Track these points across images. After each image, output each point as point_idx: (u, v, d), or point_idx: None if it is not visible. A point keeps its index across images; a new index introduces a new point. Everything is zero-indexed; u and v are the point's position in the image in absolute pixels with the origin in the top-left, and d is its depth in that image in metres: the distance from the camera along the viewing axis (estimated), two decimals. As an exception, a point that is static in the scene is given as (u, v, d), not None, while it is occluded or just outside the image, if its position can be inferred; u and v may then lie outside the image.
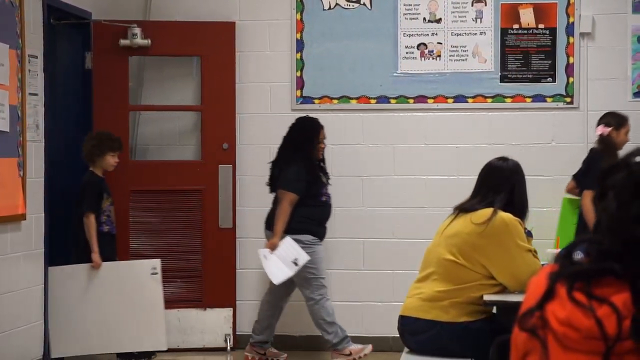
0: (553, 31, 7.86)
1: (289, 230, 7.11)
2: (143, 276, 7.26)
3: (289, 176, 7.13)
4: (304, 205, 7.14)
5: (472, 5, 7.94)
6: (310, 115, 7.62)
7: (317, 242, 7.19)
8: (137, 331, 7.23)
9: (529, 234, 4.91)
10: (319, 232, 7.23)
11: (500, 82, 7.91)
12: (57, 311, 7.18)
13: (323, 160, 7.39)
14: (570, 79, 7.84)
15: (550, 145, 7.83)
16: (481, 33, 7.93)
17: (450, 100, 7.95)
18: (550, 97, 7.87)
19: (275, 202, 7.27)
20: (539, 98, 7.88)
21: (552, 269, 2.01)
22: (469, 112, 7.90)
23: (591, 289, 1.89)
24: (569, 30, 7.83)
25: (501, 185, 4.79)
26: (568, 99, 7.85)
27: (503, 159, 4.98)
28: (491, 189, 4.78)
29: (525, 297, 2.04)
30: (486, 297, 4.61)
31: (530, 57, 7.88)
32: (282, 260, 7.11)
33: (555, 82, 7.86)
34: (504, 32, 7.90)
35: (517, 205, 4.77)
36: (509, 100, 7.90)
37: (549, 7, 7.85)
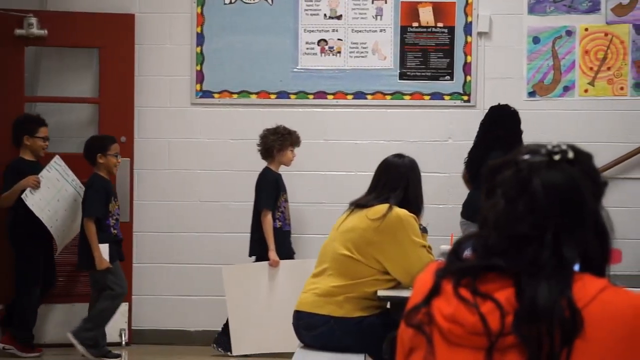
0: (451, 30, 7.95)
1: None
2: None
3: None
4: None
5: (373, 3, 7.99)
6: (210, 109, 7.58)
7: None
8: None
9: (424, 230, 4.96)
10: None
11: (399, 80, 7.98)
12: (236, 310, 7.16)
13: None
14: (468, 78, 7.95)
15: (447, 142, 7.93)
16: (381, 30, 7.98)
17: (349, 97, 7.99)
18: (448, 95, 7.97)
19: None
20: (437, 96, 7.97)
21: (439, 266, 2.03)
22: (368, 109, 7.95)
23: (476, 285, 1.92)
24: (467, 29, 7.94)
25: (397, 182, 4.83)
26: (465, 97, 7.96)
27: (399, 156, 5.02)
28: (387, 186, 4.82)
29: (412, 294, 2.06)
30: (380, 293, 4.65)
31: (429, 55, 7.96)
32: None
33: (453, 80, 7.96)
34: (404, 30, 7.97)
35: (412, 201, 4.82)
36: (407, 97, 7.97)
37: (447, 6, 7.94)
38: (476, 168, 7.08)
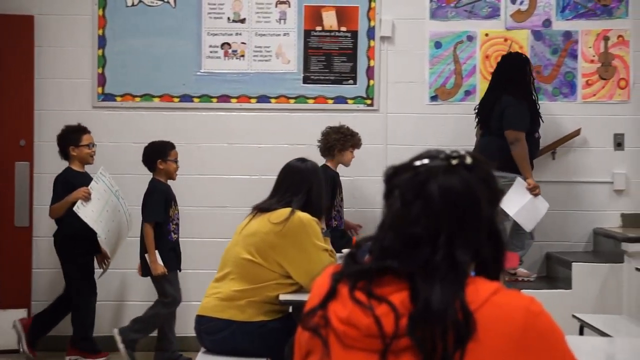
0: (355, 34, 8.00)
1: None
2: None
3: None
4: None
5: (276, 7, 7.99)
6: (112, 112, 7.49)
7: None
8: None
9: (326, 234, 4.98)
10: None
11: (303, 83, 7.99)
12: None
13: None
14: (371, 82, 8.00)
15: (351, 146, 7.96)
16: (285, 34, 7.99)
17: (253, 100, 7.98)
18: (351, 99, 8.00)
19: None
20: (340, 100, 8.00)
21: (336, 269, 2.04)
22: (271, 112, 7.95)
23: (372, 288, 1.93)
24: (370, 33, 7.99)
25: (299, 186, 4.84)
26: (368, 101, 8.01)
27: (302, 160, 5.03)
28: (289, 190, 4.83)
29: (309, 297, 2.06)
30: (282, 297, 4.65)
31: (333, 59, 7.99)
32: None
33: (356, 84, 8.00)
34: (307, 34, 7.99)
35: (315, 205, 4.83)
36: (311, 101, 7.99)
37: (351, 10, 7.98)
38: (487, 112, 7.27)
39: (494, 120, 7.22)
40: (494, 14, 8.00)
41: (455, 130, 7.71)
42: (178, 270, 7.10)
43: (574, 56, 7.98)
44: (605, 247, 7.53)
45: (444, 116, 7.95)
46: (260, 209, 4.82)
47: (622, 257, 6.97)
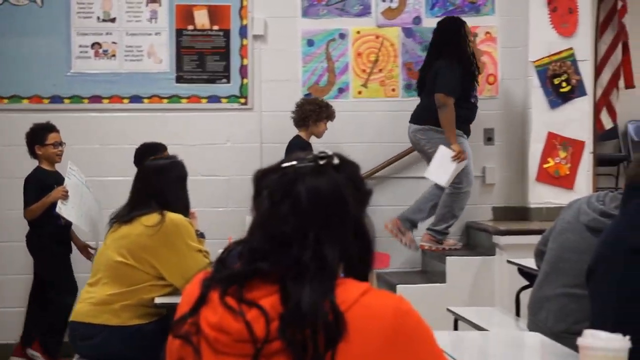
0: (227, 33, 7.97)
1: None
2: None
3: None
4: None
5: (147, 6, 7.90)
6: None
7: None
8: None
9: (201, 236, 4.95)
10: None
11: (176, 83, 7.93)
12: None
13: None
14: (245, 81, 7.98)
15: (226, 145, 7.94)
16: (156, 33, 7.91)
17: (125, 101, 7.88)
18: (225, 98, 7.98)
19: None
20: (214, 99, 7.96)
21: (206, 275, 2.03)
22: (145, 113, 7.86)
23: (242, 292, 1.93)
24: (243, 32, 7.97)
25: (154, 187, 4.75)
26: (242, 100, 7.99)
27: (157, 160, 5.01)
28: (146, 192, 4.75)
29: (179, 304, 2.05)
30: (157, 300, 4.61)
31: (206, 58, 7.95)
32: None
33: (230, 83, 7.98)
34: (179, 33, 7.93)
35: (172, 205, 4.73)
36: (184, 101, 7.93)
37: (222, 9, 7.95)
38: (423, 75, 7.32)
39: (428, 82, 7.25)
40: (365, 11, 8.08)
41: (329, 126, 7.75)
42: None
43: (444, 53, 8.10)
44: (477, 241, 7.68)
45: (318, 114, 7.98)
46: (122, 220, 4.74)
47: (494, 250, 7.12)
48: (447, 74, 7.11)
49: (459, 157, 7.10)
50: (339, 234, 1.95)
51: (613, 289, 2.84)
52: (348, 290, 1.91)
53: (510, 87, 8.09)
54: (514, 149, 7.99)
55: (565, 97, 7.71)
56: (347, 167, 2.03)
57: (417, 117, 7.38)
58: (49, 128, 7.04)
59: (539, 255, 4.36)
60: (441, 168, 7.15)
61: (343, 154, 2.05)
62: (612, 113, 8.34)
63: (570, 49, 7.77)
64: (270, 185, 1.99)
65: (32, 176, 6.96)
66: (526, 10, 7.82)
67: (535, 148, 7.78)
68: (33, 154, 7.00)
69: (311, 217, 1.94)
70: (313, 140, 7.53)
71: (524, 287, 5.56)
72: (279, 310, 1.89)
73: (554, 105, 7.77)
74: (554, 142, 7.76)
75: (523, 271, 5.51)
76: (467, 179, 7.28)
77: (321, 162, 2.00)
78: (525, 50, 7.89)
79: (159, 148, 7.01)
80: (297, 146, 7.29)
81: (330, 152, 2.02)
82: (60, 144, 7.04)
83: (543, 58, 7.78)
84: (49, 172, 7.01)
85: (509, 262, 5.89)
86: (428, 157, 7.29)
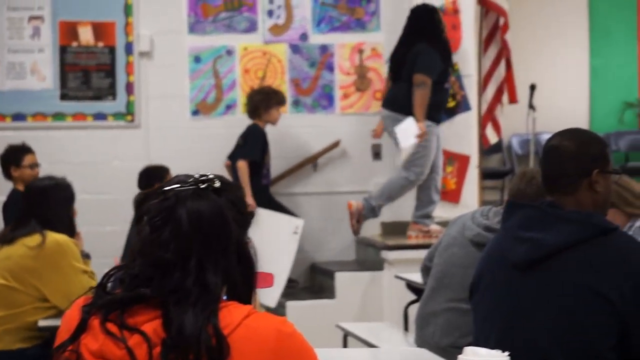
0: (112, 49, 7.88)
1: None
2: (285, 232, 7.23)
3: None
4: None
5: (29, 22, 7.76)
6: None
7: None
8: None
9: (86, 256, 4.86)
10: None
11: (61, 100, 7.81)
12: None
13: None
14: (131, 97, 7.90)
15: (113, 163, 7.84)
16: (39, 50, 7.78)
17: (8, 119, 7.73)
18: (111, 115, 7.89)
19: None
20: (100, 116, 7.87)
21: (86, 301, 1.99)
22: (28, 131, 7.70)
23: (124, 318, 1.90)
24: (128, 49, 7.90)
25: (38, 207, 4.66)
26: (129, 117, 7.91)
27: (42, 179, 4.94)
28: (31, 212, 4.65)
29: (59, 331, 2.01)
30: (41, 323, 4.51)
31: (91, 75, 7.85)
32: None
33: (116, 100, 7.89)
34: (63, 50, 7.81)
35: (56, 225, 4.64)
36: (69, 118, 7.82)
37: (107, 25, 7.87)
38: (399, 61, 7.19)
39: (406, 68, 7.15)
40: (251, 28, 8.08)
41: (218, 144, 7.72)
42: None
43: (331, 69, 8.17)
44: (366, 256, 7.72)
45: (207, 131, 7.95)
46: (3, 241, 4.63)
47: (383, 265, 7.17)
48: (426, 56, 7.11)
49: (422, 137, 7.09)
50: (222, 258, 1.95)
51: (495, 304, 2.88)
52: (231, 314, 1.90)
53: (397, 102, 8.16)
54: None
55: (451, 112, 7.81)
56: (229, 190, 2.02)
57: (391, 103, 7.29)
58: (25, 150, 6.87)
59: (425, 270, 4.40)
60: (406, 135, 7.17)
61: (225, 177, 2.05)
62: (497, 127, 8.48)
63: (455, 64, 7.88)
64: (151, 211, 1.97)
65: (10, 200, 6.76)
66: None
67: (422, 164, 7.84)
68: (8, 175, 6.82)
69: (193, 243, 1.93)
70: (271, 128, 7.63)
71: (412, 302, 5.60)
72: (162, 336, 1.87)
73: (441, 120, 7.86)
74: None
75: (411, 286, 5.56)
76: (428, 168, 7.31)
77: (202, 186, 1.99)
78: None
79: (163, 172, 6.90)
80: (253, 133, 7.43)
81: (211, 175, 2.01)
82: (36, 165, 6.87)
83: (429, 73, 7.86)
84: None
85: (397, 277, 5.93)
86: (396, 142, 7.27)
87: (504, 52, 8.36)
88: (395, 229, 8.00)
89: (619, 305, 2.69)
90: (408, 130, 7.13)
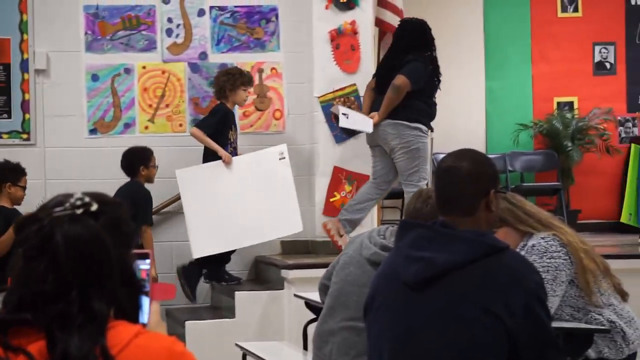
0: (7, 67, 7.76)
1: None
2: (272, 163, 7.33)
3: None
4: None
5: None
6: None
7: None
8: (273, 219, 7.29)
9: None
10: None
11: (-46, 118, 7.65)
12: (192, 213, 7.21)
13: None
14: (27, 116, 7.78)
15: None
16: None
17: None
18: (6, 133, 7.76)
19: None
20: (-5, 134, 7.74)
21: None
22: None
23: (7, 339, 1.87)
24: (24, 66, 7.78)
25: None
26: (25, 136, 7.79)
27: None
28: None
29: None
30: None
31: (-14, 93, 7.72)
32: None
33: (11, 118, 7.76)
34: (-43, 67, 7.67)
35: None
36: (-41, 137, 7.67)
37: (2, 42, 7.74)
38: (389, 73, 7.24)
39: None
40: (150, 46, 8.03)
41: (116, 162, 7.63)
42: None
43: (231, 88, 8.14)
44: (267, 275, 7.71)
45: (104, 149, 7.86)
46: None
47: (283, 284, 7.16)
48: (414, 64, 7.24)
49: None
50: (105, 283, 1.91)
51: (388, 324, 2.90)
52: (120, 334, 1.87)
53: (296, 122, 8.20)
54: (301, 183, 8.07)
55: (350, 132, 7.86)
56: (108, 210, 1.97)
57: (390, 113, 7.30)
58: (22, 171, 6.87)
59: (323, 289, 4.41)
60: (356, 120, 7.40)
61: (104, 196, 2.00)
62: (395, 147, 8.56)
63: (354, 84, 7.95)
64: (27, 240, 1.92)
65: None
66: (310, 47, 7.97)
67: (322, 182, 7.90)
68: None
69: (72, 272, 1.88)
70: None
71: (311, 321, 5.61)
72: (47, 355, 1.83)
73: (338, 140, 7.92)
74: (339, 176, 7.90)
75: (310, 305, 5.57)
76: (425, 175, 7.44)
77: (78, 211, 1.93)
78: (310, 86, 8.02)
79: (148, 153, 7.35)
80: (215, 110, 7.43)
81: (87, 199, 1.96)
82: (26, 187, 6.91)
83: (327, 94, 7.93)
84: (11, 210, 6.79)
85: (296, 295, 5.93)
86: (391, 150, 7.34)
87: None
88: (295, 247, 8.00)
89: (509, 324, 2.72)
90: (357, 122, 7.39)
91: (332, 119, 7.77)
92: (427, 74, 7.30)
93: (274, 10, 8.22)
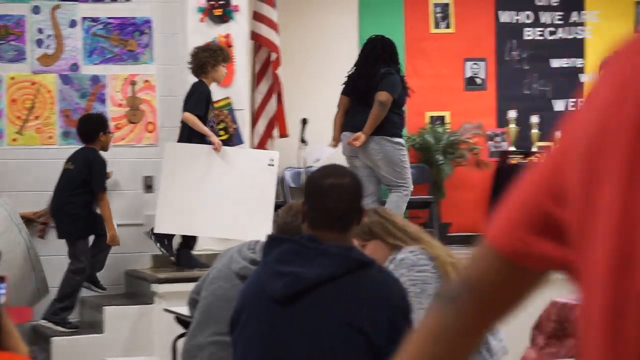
0: None
1: None
2: (260, 166, 7.26)
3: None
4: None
5: None
6: None
7: None
8: (244, 219, 7.21)
9: None
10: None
11: None
12: (168, 187, 7.22)
13: None
14: None
15: None
16: None
17: None
18: None
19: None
20: None
21: None
22: None
23: None
24: None
25: None
26: None
27: None
28: None
29: None
30: None
31: None
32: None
33: None
34: None
35: None
36: None
37: None
38: (365, 85, 7.69)
39: (373, 90, 7.63)
40: (19, 57, 7.87)
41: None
42: None
43: (103, 100, 8.05)
44: (137, 289, 7.62)
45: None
46: None
47: (153, 299, 7.09)
48: (391, 77, 7.68)
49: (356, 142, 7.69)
50: None
51: (254, 339, 2.90)
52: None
53: (170, 135, 8.12)
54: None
55: (223, 145, 7.84)
56: None
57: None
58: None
59: (193, 303, 4.38)
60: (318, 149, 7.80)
61: None
62: (269, 161, 8.58)
63: (228, 98, 7.93)
64: None
65: None
66: (184, 60, 7.91)
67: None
68: None
69: None
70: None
71: (181, 336, 5.56)
72: None
73: (212, 153, 7.88)
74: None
75: (180, 319, 5.52)
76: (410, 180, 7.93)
77: None
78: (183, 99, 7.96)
79: (105, 119, 7.46)
80: (198, 88, 7.36)
81: None
82: None
83: (201, 107, 7.88)
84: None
85: (166, 310, 5.88)
86: (375, 164, 7.74)
87: (275, 87, 8.50)
88: (167, 261, 7.93)
89: (374, 338, 2.75)
90: (323, 151, 7.83)
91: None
92: (399, 82, 7.82)
93: (147, 22, 8.15)
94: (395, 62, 7.96)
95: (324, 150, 7.91)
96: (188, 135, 7.36)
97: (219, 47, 7.61)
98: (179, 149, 7.40)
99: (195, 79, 7.45)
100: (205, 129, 7.33)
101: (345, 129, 7.88)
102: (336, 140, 8.01)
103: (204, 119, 7.38)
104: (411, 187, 7.96)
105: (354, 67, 8.05)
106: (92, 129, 7.30)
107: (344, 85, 8.07)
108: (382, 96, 7.62)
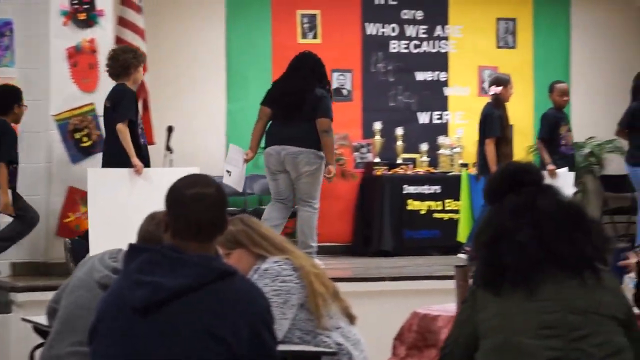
0: None
1: None
2: None
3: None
4: None
5: None
6: None
7: None
8: None
9: None
10: None
11: None
12: (95, 213, 7.14)
13: None
14: None
15: None
16: None
17: None
18: None
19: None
20: None
21: None
22: None
23: None
24: None
25: None
26: None
27: None
28: None
29: None
30: None
31: None
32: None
33: None
34: None
35: None
36: None
37: None
38: (299, 99, 7.82)
39: (307, 106, 7.73)
40: None
41: None
42: None
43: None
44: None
45: None
46: None
47: (11, 308, 6.93)
48: (328, 101, 7.86)
49: (330, 175, 8.10)
50: None
51: (113, 350, 2.85)
52: None
53: (31, 140, 7.95)
54: (35, 204, 7.80)
55: (86, 152, 7.75)
56: None
57: (300, 140, 7.83)
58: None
59: (52, 313, 4.29)
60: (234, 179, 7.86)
61: None
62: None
63: (92, 104, 7.84)
64: None
65: None
66: (47, 64, 7.78)
67: (56, 202, 7.72)
68: None
69: None
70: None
71: (38, 346, 5.44)
72: None
73: (75, 159, 7.79)
74: (74, 197, 7.77)
75: (38, 329, 5.40)
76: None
77: None
78: (46, 103, 7.83)
79: (20, 92, 7.42)
80: (124, 93, 7.23)
81: None
82: None
83: (64, 112, 7.79)
84: None
85: (23, 319, 5.74)
86: (299, 175, 7.86)
87: (141, 94, 8.41)
88: (29, 269, 7.79)
89: (236, 348, 2.74)
90: (235, 158, 7.86)
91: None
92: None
93: (8, 24, 7.97)
94: (326, 83, 8.11)
95: (239, 159, 7.99)
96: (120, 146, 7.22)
97: (137, 48, 7.59)
98: (100, 175, 7.29)
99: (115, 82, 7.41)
100: (130, 147, 7.19)
101: (272, 143, 7.90)
102: (253, 150, 7.99)
103: (135, 122, 7.27)
104: (318, 202, 8.12)
105: (280, 80, 8.12)
106: (8, 101, 7.33)
107: (266, 95, 8.04)
108: (325, 124, 7.88)
